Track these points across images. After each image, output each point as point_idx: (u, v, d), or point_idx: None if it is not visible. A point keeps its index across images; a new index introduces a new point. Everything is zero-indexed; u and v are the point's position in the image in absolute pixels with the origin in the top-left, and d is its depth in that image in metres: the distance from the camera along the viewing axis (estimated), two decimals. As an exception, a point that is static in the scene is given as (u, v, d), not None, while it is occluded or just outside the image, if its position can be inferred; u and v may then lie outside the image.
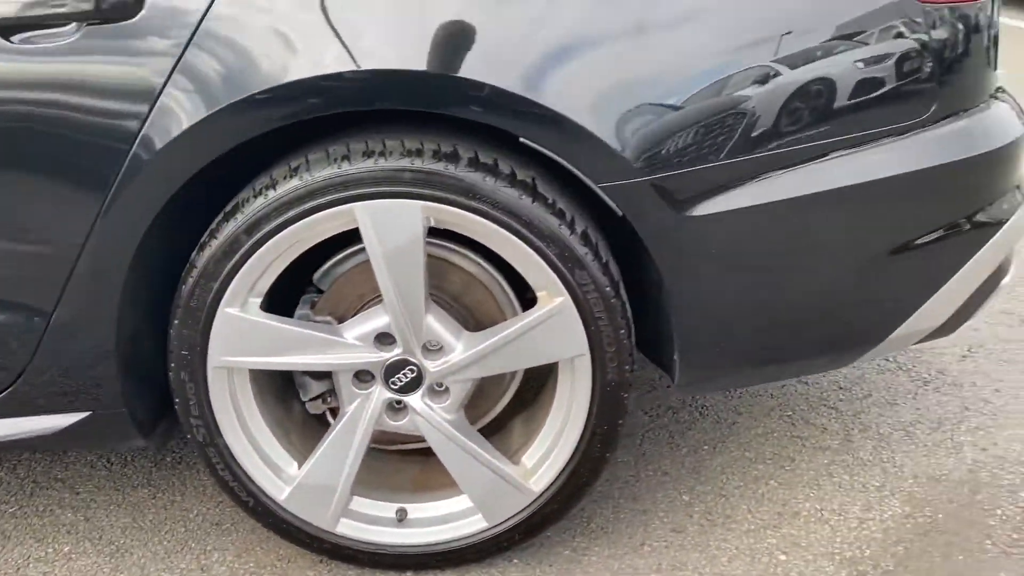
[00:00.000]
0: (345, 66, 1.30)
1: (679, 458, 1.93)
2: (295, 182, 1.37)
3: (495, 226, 1.38)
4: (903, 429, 1.99)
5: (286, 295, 1.56)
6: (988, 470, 1.85)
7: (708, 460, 1.92)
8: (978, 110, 1.52)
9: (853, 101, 1.38)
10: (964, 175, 1.49)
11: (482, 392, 1.63)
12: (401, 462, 1.73)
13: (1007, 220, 1.56)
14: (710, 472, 1.88)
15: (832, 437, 1.98)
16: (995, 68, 1.59)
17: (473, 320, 1.57)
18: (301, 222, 1.38)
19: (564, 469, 1.54)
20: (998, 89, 1.65)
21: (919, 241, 1.50)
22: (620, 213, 1.40)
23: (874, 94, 1.39)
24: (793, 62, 1.35)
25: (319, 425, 1.67)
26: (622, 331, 1.44)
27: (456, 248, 1.53)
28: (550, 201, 1.39)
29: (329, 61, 1.30)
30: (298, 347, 1.48)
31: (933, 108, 1.43)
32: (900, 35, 1.38)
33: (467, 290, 1.56)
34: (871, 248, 1.48)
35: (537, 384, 1.72)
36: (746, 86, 1.34)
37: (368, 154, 1.37)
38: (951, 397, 2.11)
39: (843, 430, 2.00)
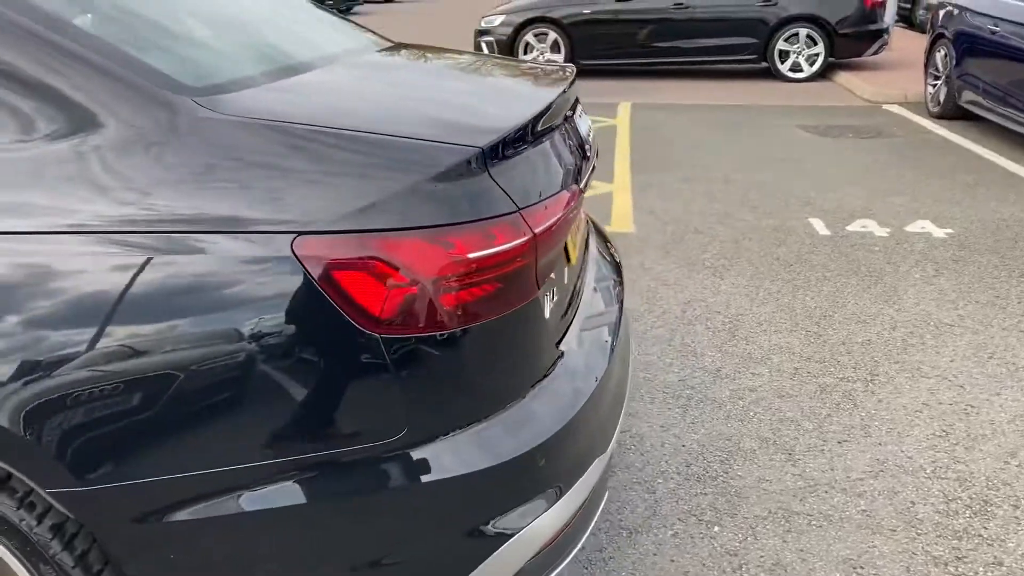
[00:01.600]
0: None
1: None
2: None
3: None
4: None
5: None
6: None
7: None
8: (497, 415, 1.52)
9: (309, 422, 1.41)
10: (457, 491, 1.48)
11: None
12: None
13: (517, 532, 1.53)
14: None
15: None
16: (533, 361, 1.59)
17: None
18: None
19: None
20: (559, 357, 1.66)
21: (396, 560, 1.51)
22: (72, 516, 1.44)
23: (324, 418, 1.41)
24: (211, 385, 1.36)
25: None
26: (97, 623, 1.47)
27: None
28: (20, 493, 1.44)
29: None
30: None
31: (404, 431, 1.43)
32: (356, 363, 1.39)
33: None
34: (340, 565, 1.49)
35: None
36: (187, 404, 1.37)
37: None
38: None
39: None
